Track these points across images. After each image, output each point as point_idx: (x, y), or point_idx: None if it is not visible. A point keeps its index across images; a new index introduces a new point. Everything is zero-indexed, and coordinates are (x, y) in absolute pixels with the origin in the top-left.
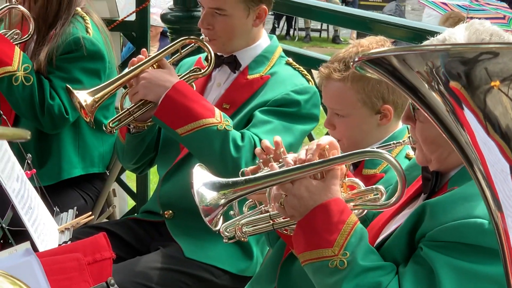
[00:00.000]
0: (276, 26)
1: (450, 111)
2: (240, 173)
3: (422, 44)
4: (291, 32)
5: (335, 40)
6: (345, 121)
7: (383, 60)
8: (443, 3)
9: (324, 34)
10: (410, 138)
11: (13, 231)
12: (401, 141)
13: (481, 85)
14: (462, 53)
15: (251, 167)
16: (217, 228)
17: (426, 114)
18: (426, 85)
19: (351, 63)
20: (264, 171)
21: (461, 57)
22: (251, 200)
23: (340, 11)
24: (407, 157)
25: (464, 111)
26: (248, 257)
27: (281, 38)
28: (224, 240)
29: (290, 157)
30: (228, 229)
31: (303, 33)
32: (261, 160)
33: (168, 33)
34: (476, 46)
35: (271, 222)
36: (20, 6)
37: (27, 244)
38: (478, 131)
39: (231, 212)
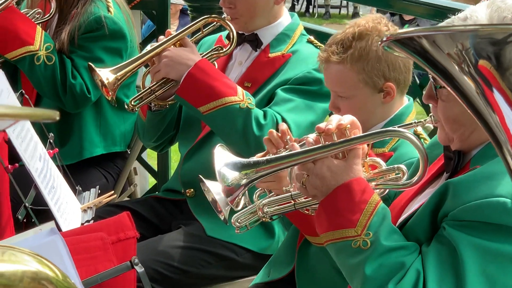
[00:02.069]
0: (296, 3)
1: (480, 92)
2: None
3: (447, 24)
4: (311, 9)
5: (355, 16)
6: (349, 102)
7: (411, 40)
8: None
9: (343, 11)
10: (432, 117)
11: (36, 210)
12: (422, 120)
13: (510, 66)
14: (491, 34)
15: (259, 154)
16: (239, 208)
17: (455, 95)
18: (456, 66)
19: (380, 42)
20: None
21: (490, 38)
22: (261, 188)
23: None
24: (416, 133)
25: (494, 93)
26: (270, 235)
27: (300, 15)
28: (236, 231)
29: (311, 136)
30: (239, 220)
31: (322, 10)
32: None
33: (188, 11)
34: (506, 27)
35: (293, 202)
36: None
37: (51, 224)
38: (508, 113)
39: (242, 203)
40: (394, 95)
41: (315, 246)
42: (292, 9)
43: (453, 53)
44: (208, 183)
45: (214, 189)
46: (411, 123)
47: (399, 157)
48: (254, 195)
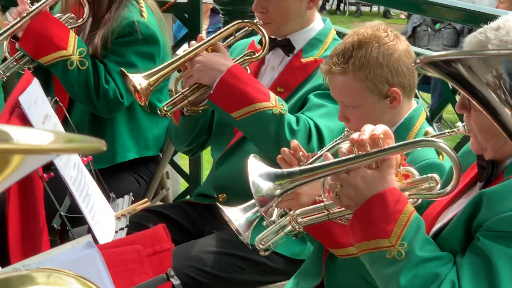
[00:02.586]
0: (326, 1)
1: None
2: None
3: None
4: (342, 6)
5: (386, 14)
6: (357, 111)
7: (445, 62)
8: None
9: (374, 8)
10: (465, 126)
11: (71, 217)
12: (455, 129)
13: None
14: None
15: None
16: (272, 218)
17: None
18: (491, 92)
19: (413, 64)
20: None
21: None
22: (281, 208)
23: None
24: (426, 134)
25: None
26: (302, 241)
27: (331, 12)
28: (260, 253)
29: (344, 146)
30: (262, 241)
31: (353, 8)
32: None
33: (220, 15)
34: None
35: (326, 212)
36: None
37: (88, 237)
38: None
39: (264, 223)
40: (401, 100)
41: (340, 259)
42: (323, 7)
43: (487, 78)
44: (227, 212)
45: (233, 216)
46: (444, 133)
47: (412, 160)
48: (275, 216)
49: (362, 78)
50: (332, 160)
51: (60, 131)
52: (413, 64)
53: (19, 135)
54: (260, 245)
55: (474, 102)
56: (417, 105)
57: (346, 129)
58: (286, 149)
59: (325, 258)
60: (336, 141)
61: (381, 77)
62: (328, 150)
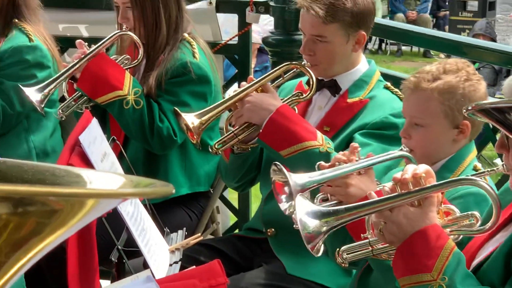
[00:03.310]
0: (369, 41)
1: None
2: (316, 166)
3: None
4: (383, 46)
5: (426, 54)
6: (423, 131)
7: (496, 110)
8: None
9: (415, 49)
10: (504, 165)
11: (127, 251)
12: (495, 168)
13: None
14: None
15: (328, 164)
16: (319, 254)
17: None
18: None
19: (464, 110)
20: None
21: None
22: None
23: (436, 35)
24: (475, 169)
25: None
26: (347, 273)
27: (373, 52)
28: (343, 265)
29: (388, 185)
30: (345, 253)
31: (394, 48)
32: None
33: (269, 56)
34: None
35: (371, 248)
36: (130, 33)
37: (147, 272)
38: None
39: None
40: (467, 135)
41: (374, 274)
42: (365, 47)
43: None
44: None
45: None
46: (484, 172)
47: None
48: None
49: (444, 101)
50: (376, 198)
51: (118, 169)
52: (464, 110)
53: (91, 178)
54: (344, 255)
55: None
56: (470, 143)
57: (402, 145)
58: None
59: (359, 274)
60: (389, 154)
61: (461, 106)
62: (381, 162)
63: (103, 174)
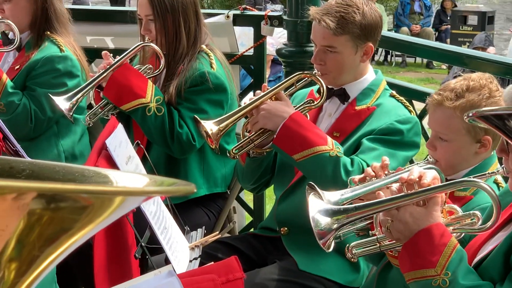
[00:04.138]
0: (375, 53)
1: None
2: (348, 180)
3: None
4: (388, 58)
5: (429, 65)
6: (447, 145)
7: (495, 116)
8: None
9: (418, 60)
10: (504, 168)
11: (151, 248)
12: (495, 171)
13: None
14: None
15: (359, 176)
16: (330, 250)
17: None
18: None
19: (465, 116)
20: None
21: None
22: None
23: (438, 47)
24: (495, 182)
25: None
26: (356, 270)
27: (379, 63)
28: (352, 260)
29: (395, 186)
30: (354, 249)
31: (399, 59)
32: (368, 179)
33: (282, 66)
34: None
35: (378, 244)
36: (152, 44)
37: (169, 267)
38: None
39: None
40: (489, 148)
41: (393, 271)
42: (372, 58)
43: None
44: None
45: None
46: (485, 174)
47: (478, 200)
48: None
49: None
50: (384, 197)
51: (142, 171)
52: (465, 117)
53: (118, 178)
54: (353, 251)
55: None
56: (492, 154)
57: (428, 156)
58: (376, 164)
59: (379, 270)
60: (416, 165)
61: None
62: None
63: (129, 175)
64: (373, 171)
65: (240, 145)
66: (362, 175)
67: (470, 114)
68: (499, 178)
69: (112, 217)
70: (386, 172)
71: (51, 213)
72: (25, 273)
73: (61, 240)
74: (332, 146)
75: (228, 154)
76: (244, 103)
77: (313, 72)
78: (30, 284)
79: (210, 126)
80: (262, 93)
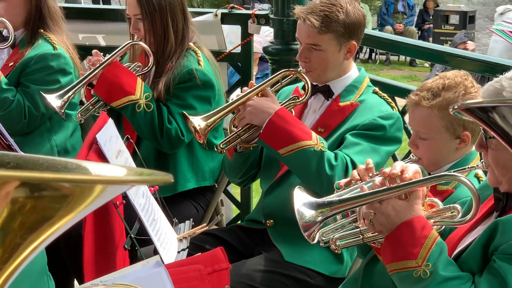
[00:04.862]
0: (360, 51)
1: None
2: (335, 185)
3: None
4: (373, 56)
5: (412, 63)
6: (427, 143)
7: (480, 109)
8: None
9: (402, 58)
10: (483, 162)
11: (140, 239)
12: (475, 165)
13: None
14: None
15: (344, 180)
16: (314, 241)
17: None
18: None
19: (451, 109)
20: (355, 191)
21: None
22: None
23: (421, 46)
24: (477, 176)
25: None
26: (339, 261)
27: (364, 61)
28: (320, 245)
29: (378, 180)
30: (324, 235)
31: (383, 57)
32: (353, 182)
33: (269, 63)
34: None
35: (361, 236)
36: (141, 43)
37: (157, 257)
38: None
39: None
40: (468, 143)
41: (379, 264)
42: (357, 56)
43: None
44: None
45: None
46: (465, 168)
47: (460, 194)
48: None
49: (444, 116)
50: (367, 191)
51: (131, 165)
52: (450, 109)
53: (98, 171)
54: (323, 238)
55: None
56: (473, 149)
57: (411, 154)
58: (362, 167)
59: (365, 263)
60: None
61: (459, 120)
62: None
63: (110, 166)
64: (358, 174)
65: (228, 140)
66: (348, 179)
67: (456, 107)
68: (480, 172)
69: (92, 205)
70: (370, 174)
71: (33, 201)
72: (8, 260)
73: (43, 228)
74: (316, 141)
75: (215, 149)
76: (232, 99)
77: (298, 70)
78: (12, 271)
79: (198, 121)
80: (249, 90)
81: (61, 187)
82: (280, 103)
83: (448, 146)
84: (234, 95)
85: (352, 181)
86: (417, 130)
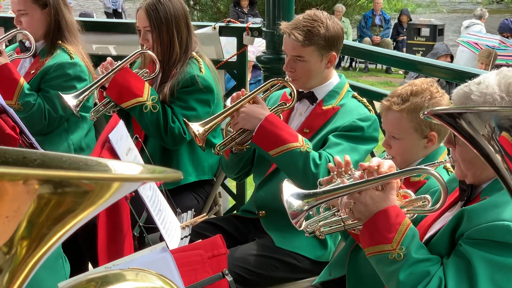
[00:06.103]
0: (341, 60)
1: (502, 158)
2: (318, 182)
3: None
4: (353, 64)
5: (388, 70)
6: (399, 143)
7: (448, 115)
8: (475, 43)
9: (379, 66)
10: (451, 158)
11: (147, 227)
12: (443, 160)
13: None
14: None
15: (326, 178)
16: (301, 228)
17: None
18: (481, 135)
19: (421, 114)
20: (336, 183)
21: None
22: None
23: (396, 55)
24: (446, 168)
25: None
26: (324, 246)
27: (345, 69)
28: (306, 235)
29: (357, 173)
30: (308, 226)
31: (362, 65)
32: (334, 172)
33: (261, 71)
34: None
35: (343, 224)
36: (149, 51)
37: (163, 244)
38: None
39: (310, 213)
40: (435, 142)
41: (363, 252)
42: (339, 64)
43: (482, 129)
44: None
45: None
46: (435, 163)
47: (431, 185)
48: (321, 208)
49: (412, 119)
50: (348, 183)
51: (139, 161)
52: (421, 114)
53: (115, 167)
54: (308, 229)
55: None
56: (441, 145)
57: (386, 154)
58: (338, 158)
59: (351, 250)
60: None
61: (426, 122)
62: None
63: (126, 164)
64: (336, 165)
65: (224, 143)
66: (329, 177)
67: (426, 112)
68: (449, 165)
69: (111, 200)
70: (349, 173)
71: (58, 197)
72: (35, 249)
73: (66, 219)
74: (302, 143)
75: (213, 151)
76: (230, 103)
77: (285, 78)
78: (39, 258)
79: (197, 127)
80: (242, 97)
81: (83, 184)
82: (269, 109)
83: (417, 145)
84: (229, 102)
85: (333, 178)
86: (390, 131)
